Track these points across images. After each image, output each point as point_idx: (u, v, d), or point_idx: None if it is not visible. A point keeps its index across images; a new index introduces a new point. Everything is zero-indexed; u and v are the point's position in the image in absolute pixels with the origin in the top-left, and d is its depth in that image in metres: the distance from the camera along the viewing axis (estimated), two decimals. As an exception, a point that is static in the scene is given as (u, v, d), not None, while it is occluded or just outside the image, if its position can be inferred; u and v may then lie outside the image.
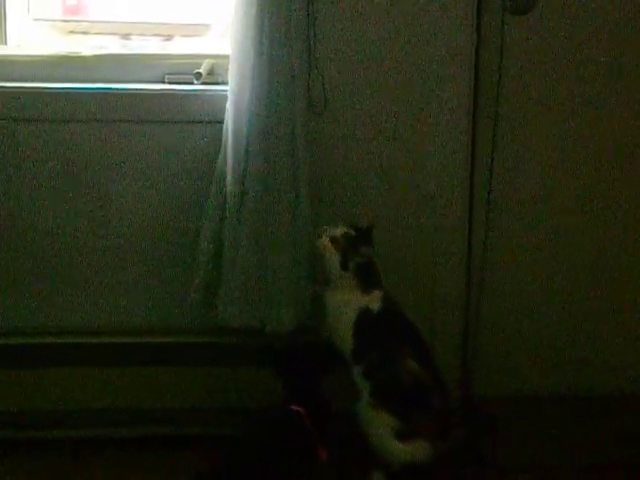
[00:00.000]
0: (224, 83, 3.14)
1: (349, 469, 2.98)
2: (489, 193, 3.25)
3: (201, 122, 3.13)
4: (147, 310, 3.23)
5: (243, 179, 3.02)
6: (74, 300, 3.22)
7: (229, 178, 3.02)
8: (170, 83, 3.21)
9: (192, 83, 3.18)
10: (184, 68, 3.21)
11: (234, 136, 3.01)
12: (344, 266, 2.89)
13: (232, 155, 3.01)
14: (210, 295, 3.09)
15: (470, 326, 3.31)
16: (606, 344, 3.39)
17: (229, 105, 3.02)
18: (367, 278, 2.91)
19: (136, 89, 3.16)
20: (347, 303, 2.90)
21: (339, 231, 2.93)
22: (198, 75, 3.17)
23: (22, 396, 3.13)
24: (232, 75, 3.01)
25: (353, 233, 2.93)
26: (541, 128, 3.25)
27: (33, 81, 3.15)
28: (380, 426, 2.81)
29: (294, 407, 2.78)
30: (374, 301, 2.89)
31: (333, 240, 2.92)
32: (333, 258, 2.91)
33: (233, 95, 3.02)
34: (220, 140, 3.05)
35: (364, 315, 2.87)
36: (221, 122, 3.05)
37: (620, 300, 3.38)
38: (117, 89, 3.16)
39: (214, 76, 3.20)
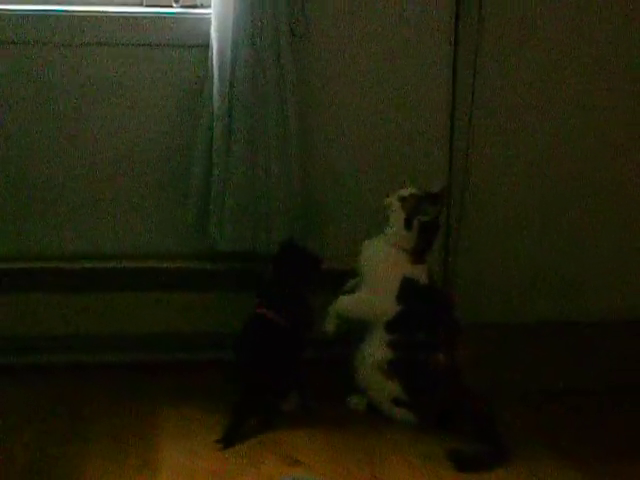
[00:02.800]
0: (203, 6, 3.15)
1: (327, 393, 3.04)
2: (470, 117, 3.28)
3: (185, 46, 3.12)
4: (138, 235, 3.23)
5: (231, 102, 3.03)
6: (63, 226, 3.21)
7: (217, 101, 3.02)
8: (148, 6, 3.18)
9: (171, 6, 3.16)
10: (162, -10, 3.20)
11: (219, 59, 3.01)
12: (408, 225, 2.90)
13: (219, 78, 3.02)
14: (202, 219, 3.12)
15: (449, 253, 3.36)
16: (588, 269, 3.46)
17: (213, 29, 3.02)
18: (425, 244, 2.92)
19: (115, 12, 3.13)
20: (395, 265, 2.91)
21: (408, 191, 2.94)
22: (178, -3, 3.16)
23: (17, 321, 3.12)
24: (215, -2, 3.01)
25: (421, 194, 2.93)
26: (524, 50, 3.29)
27: (7, 3, 3.10)
28: (382, 388, 2.90)
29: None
30: (421, 273, 2.91)
31: (401, 199, 2.92)
32: (398, 216, 2.92)
33: (217, 19, 3.01)
34: (205, 63, 3.06)
35: (410, 285, 2.89)
36: (206, 45, 3.05)
37: (601, 225, 3.44)
38: (95, 12, 3.12)
39: (193, -1, 3.19)
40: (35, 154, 3.16)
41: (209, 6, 3.07)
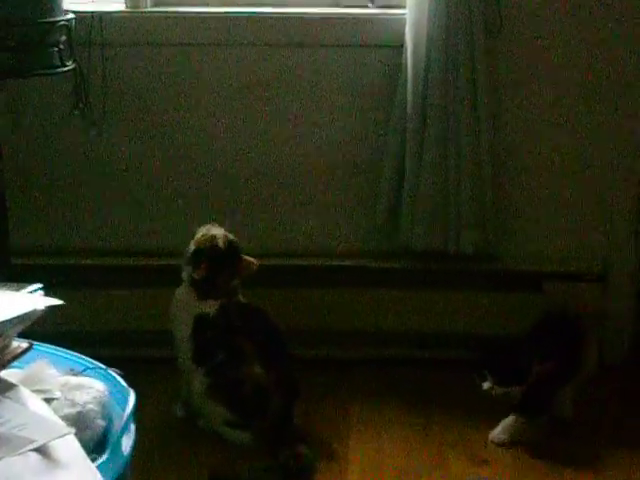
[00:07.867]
0: (398, 7, 3.17)
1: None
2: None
3: (379, 46, 3.15)
4: (332, 233, 3.27)
5: (424, 103, 3.05)
6: (268, 222, 3.28)
7: (410, 103, 3.05)
8: (345, 7, 3.23)
9: (367, 6, 3.21)
10: (359, -9, 3.24)
11: (413, 60, 3.03)
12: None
13: (412, 79, 3.04)
14: (393, 220, 3.15)
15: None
16: None
17: (408, 29, 3.04)
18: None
19: (312, 13, 3.20)
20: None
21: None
22: (373, -2, 3.19)
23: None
24: (410, -1, 3.03)
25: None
26: None
27: (212, 5, 3.22)
28: (214, 412, 2.80)
29: None
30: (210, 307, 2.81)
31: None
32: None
33: (411, 19, 3.03)
34: (398, 64, 3.08)
35: (201, 320, 2.80)
36: (399, 46, 3.07)
37: None
38: (292, 13, 3.20)
39: (388, -1, 3.22)
40: (227, 148, 3.25)
41: (404, 6, 3.09)
